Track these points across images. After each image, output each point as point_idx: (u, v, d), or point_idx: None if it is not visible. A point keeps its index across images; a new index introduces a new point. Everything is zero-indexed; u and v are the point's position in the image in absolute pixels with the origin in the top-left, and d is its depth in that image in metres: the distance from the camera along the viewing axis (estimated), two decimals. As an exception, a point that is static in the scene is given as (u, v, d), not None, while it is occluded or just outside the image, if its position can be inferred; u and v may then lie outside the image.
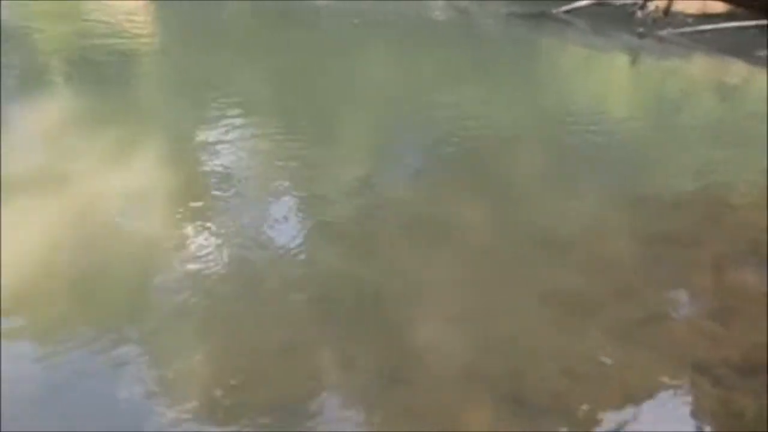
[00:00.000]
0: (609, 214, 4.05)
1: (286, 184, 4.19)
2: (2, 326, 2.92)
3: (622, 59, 6.52)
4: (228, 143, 4.56)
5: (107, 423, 2.61)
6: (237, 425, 2.65)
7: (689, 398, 2.83)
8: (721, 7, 7.04)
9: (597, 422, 2.71)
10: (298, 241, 3.71)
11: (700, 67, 6.70)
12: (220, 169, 4.28)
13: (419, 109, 5.34)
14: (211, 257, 3.50)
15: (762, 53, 6.37)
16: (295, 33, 6.42)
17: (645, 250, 3.74)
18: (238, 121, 4.84)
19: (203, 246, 3.57)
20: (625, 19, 6.97)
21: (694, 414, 2.76)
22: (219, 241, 3.62)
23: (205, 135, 4.63)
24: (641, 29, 6.51)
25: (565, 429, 2.66)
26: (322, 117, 5.04)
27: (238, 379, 2.86)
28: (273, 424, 2.65)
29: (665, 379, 2.91)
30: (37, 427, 2.50)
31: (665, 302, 3.36)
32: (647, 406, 2.78)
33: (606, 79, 6.30)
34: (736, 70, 6.62)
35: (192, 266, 3.43)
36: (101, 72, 5.24)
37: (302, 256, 3.60)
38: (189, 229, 3.69)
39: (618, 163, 4.69)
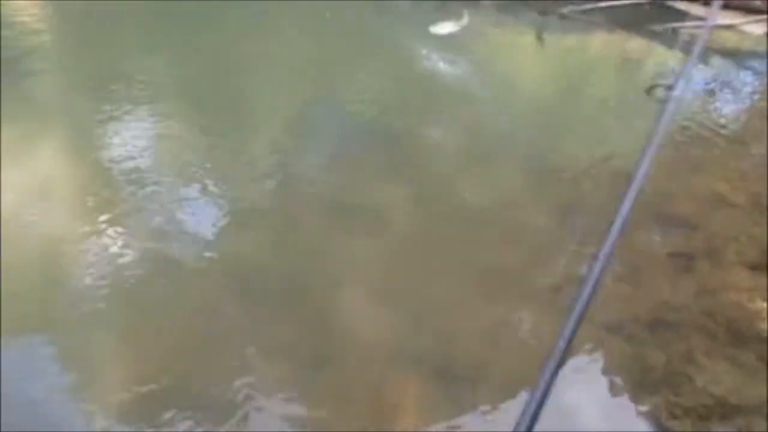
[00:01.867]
0: (522, 186, 4.18)
1: (200, 172, 4.08)
2: None
3: (526, 37, 6.70)
4: (135, 133, 4.40)
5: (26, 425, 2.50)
6: (162, 421, 2.59)
7: (604, 356, 2.97)
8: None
9: (522, 387, 2.81)
10: (215, 229, 3.63)
11: (600, 42, 6.98)
12: (128, 160, 4.11)
13: (333, 90, 5.30)
14: (124, 250, 3.38)
15: (657, 27, 6.70)
16: (200, 16, 6.23)
17: (556, 219, 3.88)
18: (144, 111, 4.66)
19: (116, 239, 3.44)
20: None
21: (610, 371, 2.91)
22: (131, 234, 3.49)
23: (110, 126, 4.43)
24: (542, 8, 6.70)
25: (491, 398, 2.75)
26: (233, 102, 4.93)
27: (160, 373, 2.79)
28: (198, 417, 2.60)
29: (581, 340, 3.04)
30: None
31: (577, 268, 3.50)
32: (567, 368, 2.89)
33: (513, 57, 6.46)
34: (634, 44, 6.94)
35: (105, 261, 3.30)
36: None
37: (220, 245, 3.52)
38: (99, 224, 3.54)
39: (528, 138, 4.83)
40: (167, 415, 2.60)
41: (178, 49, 5.76)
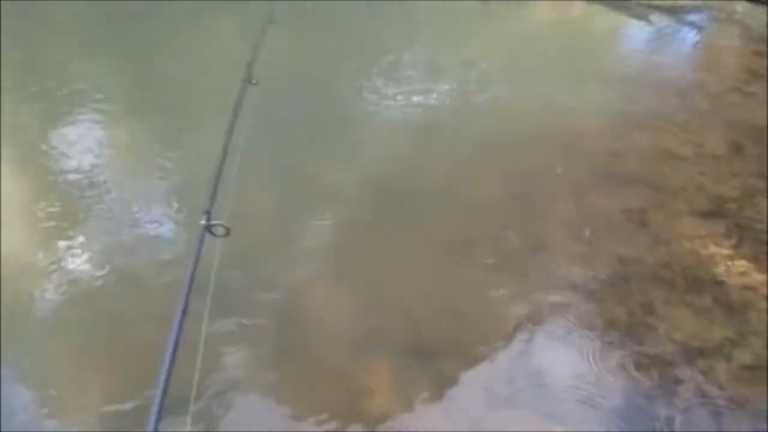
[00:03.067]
0: (475, 157, 4.19)
1: (150, 172, 3.98)
2: None
3: (469, 4, 6.73)
4: (81, 139, 4.27)
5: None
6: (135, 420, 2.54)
7: (570, 316, 3.02)
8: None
9: (493, 356, 2.84)
10: (166, 228, 3.56)
11: (542, 6, 7.05)
12: (76, 167, 4.00)
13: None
14: (83, 263, 3.29)
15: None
16: (132, 19, 6.06)
17: (512, 187, 3.91)
18: (88, 115, 4.53)
19: (73, 252, 3.34)
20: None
21: (575, 329, 2.96)
22: (88, 245, 3.40)
23: (53, 134, 4.30)
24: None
25: (464, 370, 2.77)
26: (172, 99, 4.82)
27: (131, 379, 2.74)
28: (172, 417, 2.56)
29: (546, 303, 3.09)
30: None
31: (536, 233, 3.55)
32: (534, 331, 2.95)
33: (456, 22, 6.45)
34: (577, 8, 7.04)
35: (64, 274, 3.21)
36: None
37: (174, 242, 3.45)
38: (54, 236, 3.43)
39: (476, 107, 4.83)
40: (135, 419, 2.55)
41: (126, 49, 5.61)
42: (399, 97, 4.95)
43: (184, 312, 1.47)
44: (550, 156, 4.18)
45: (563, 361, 2.82)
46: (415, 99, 4.95)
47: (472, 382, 2.72)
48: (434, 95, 5.04)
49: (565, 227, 3.61)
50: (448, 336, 2.97)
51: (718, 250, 3.42)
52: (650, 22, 6.48)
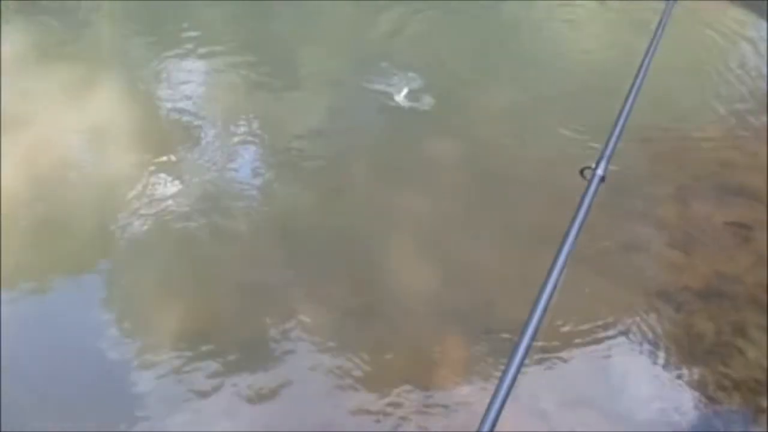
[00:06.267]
0: (568, 149, 4.04)
1: (251, 120, 4.08)
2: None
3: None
4: (187, 79, 4.40)
5: (79, 361, 2.62)
6: (208, 364, 2.67)
7: (654, 324, 2.92)
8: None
9: (565, 350, 2.79)
10: (264, 179, 3.65)
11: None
12: (180, 105, 4.14)
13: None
14: (175, 197, 3.43)
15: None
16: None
17: (609, 183, 3.77)
18: (197, 57, 4.66)
19: (167, 185, 3.49)
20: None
21: (659, 339, 2.86)
22: (183, 181, 3.54)
23: (162, 71, 4.45)
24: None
25: (535, 358, 2.74)
26: (284, 51, 4.88)
27: (209, 319, 2.87)
28: (243, 363, 2.67)
29: (631, 307, 3.00)
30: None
31: (630, 233, 3.43)
32: (613, 333, 2.87)
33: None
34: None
35: (157, 206, 3.37)
36: (47, 7, 4.96)
37: (269, 194, 3.55)
38: (151, 168, 3.60)
39: (574, 96, 4.63)
40: (209, 359, 2.68)
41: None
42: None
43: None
44: (656, 155, 4.00)
45: (640, 369, 2.75)
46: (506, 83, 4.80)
47: (541, 374, 2.69)
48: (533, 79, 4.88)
49: (662, 232, 3.47)
50: (521, 323, 2.92)
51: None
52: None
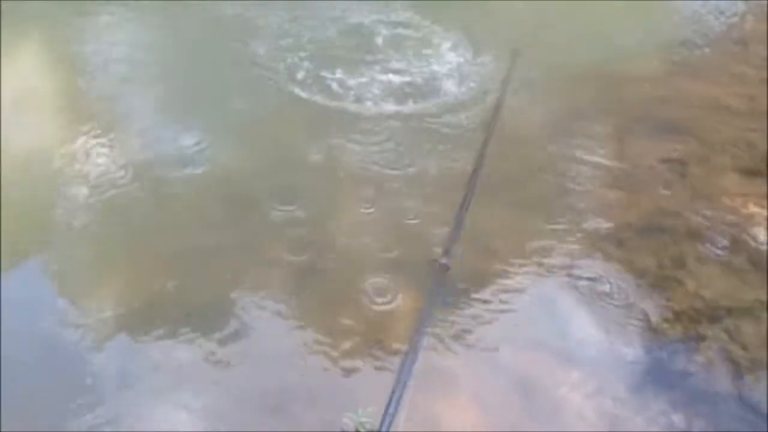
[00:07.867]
0: (518, 91, 4.05)
1: (181, 79, 3.93)
2: None
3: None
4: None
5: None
6: (155, 329, 2.58)
7: (598, 262, 2.96)
8: None
9: (510, 293, 2.81)
10: (198, 139, 3.52)
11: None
12: (110, 69, 3.95)
13: None
14: (109, 163, 3.29)
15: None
16: None
17: (554, 126, 3.79)
18: (128, 21, 4.44)
19: (101, 152, 3.35)
20: None
21: (601, 276, 2.90)
22: (117, 146, 3.39)
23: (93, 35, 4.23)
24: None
25: (484, 299, 2.75)
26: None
27: (153, 284, 2.77)
28: (191, 325, 2.59)
29: (576, 247, 3.03)
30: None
31: (574, 175, 3.45)
32: (560, 273, 2.90)
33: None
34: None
35: (93, 174, 3.23)
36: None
37: (206, 156, 3.43)
38: (83, 135, 3.44)
39: (522, 38, 4.63)
40: (157, 324, 2.59)
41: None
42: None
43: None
44: (597, 96, 4.03)
45: (585, 307, 2.78)
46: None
47: (490, 320, 2.70)
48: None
49: (603, 171, 3.50)
50: (473, 270, 2.92)
51: (759, 210, 3.30)
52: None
